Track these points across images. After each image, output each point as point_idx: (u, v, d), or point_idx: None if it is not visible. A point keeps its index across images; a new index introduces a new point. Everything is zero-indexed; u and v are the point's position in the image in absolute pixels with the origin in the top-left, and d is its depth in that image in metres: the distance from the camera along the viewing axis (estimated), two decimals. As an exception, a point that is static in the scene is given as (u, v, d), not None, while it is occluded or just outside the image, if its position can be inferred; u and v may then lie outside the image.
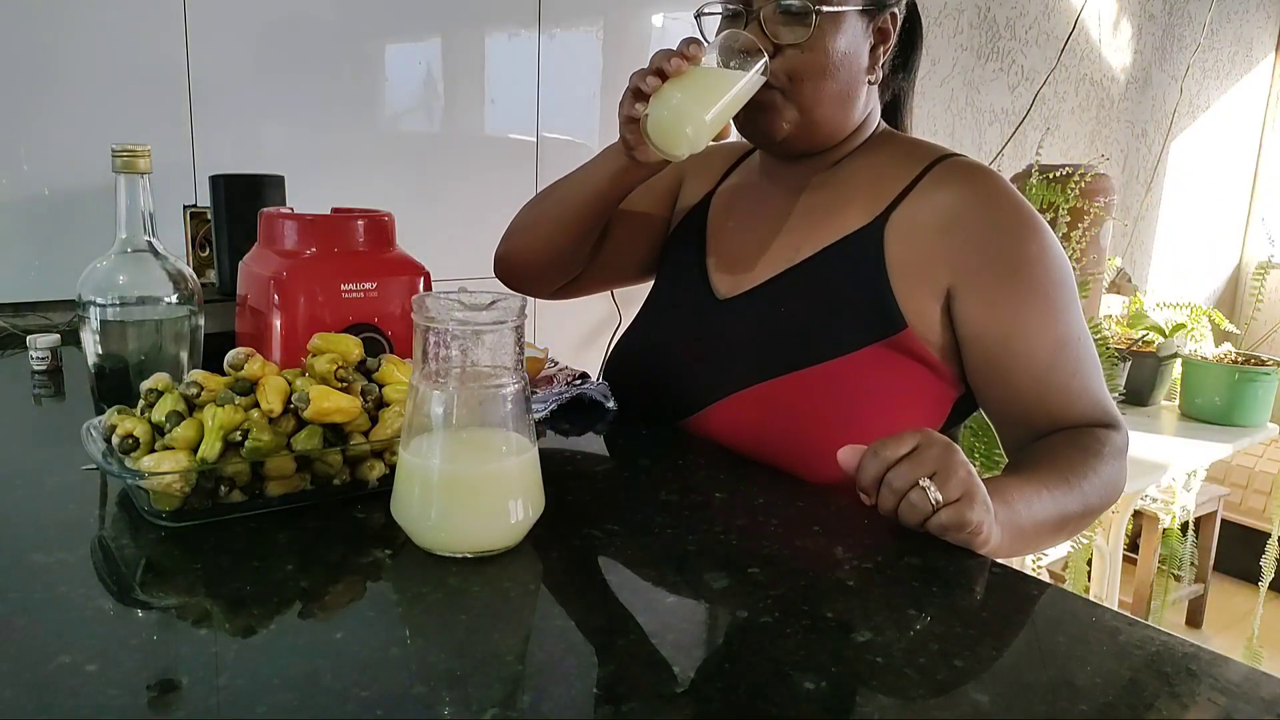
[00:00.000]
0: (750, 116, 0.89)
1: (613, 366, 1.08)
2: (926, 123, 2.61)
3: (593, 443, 0.95)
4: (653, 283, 1.13)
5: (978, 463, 1.85)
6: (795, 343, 0.90)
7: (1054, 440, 0.87)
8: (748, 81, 0.84)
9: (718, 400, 0.92)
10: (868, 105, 0.95)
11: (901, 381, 0.89)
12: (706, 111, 0.81)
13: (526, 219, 1.09)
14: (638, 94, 0.83)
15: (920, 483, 0.67)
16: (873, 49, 0.92)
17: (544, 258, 1.06)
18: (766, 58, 0.85)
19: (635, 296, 1.16)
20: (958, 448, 0.69)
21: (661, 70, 0.82)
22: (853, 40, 0.89)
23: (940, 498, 0.67)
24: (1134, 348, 2.34)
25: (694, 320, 1.00)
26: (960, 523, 0.67)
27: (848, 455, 0.71)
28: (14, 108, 1.31)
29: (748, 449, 0.89)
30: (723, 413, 0.92)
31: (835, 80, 0.89)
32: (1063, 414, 0.88)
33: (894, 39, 0.93)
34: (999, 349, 0.87)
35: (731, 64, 0.84)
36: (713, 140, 0.84)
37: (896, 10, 0.93)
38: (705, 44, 0.84)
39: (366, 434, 0.73)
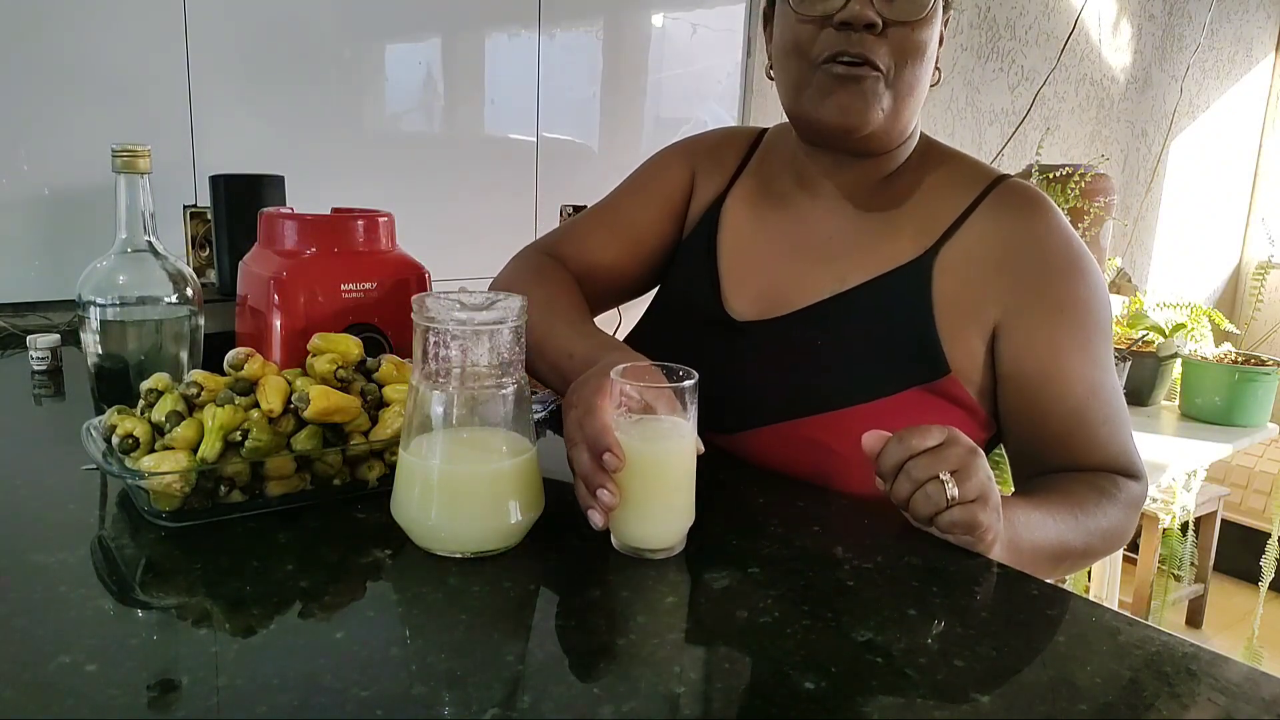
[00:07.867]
0: (845, 104, 0.82)
1: None
2: (926, 123, 2.60)
3: (593, 443, 0.94)
4: (655, 293, 1.04)
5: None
6: (833, 380, 0.85)
7: (1072, 476, 0.86)
8: (690, 445, 0.65)
9: (737, 434, 0.87)
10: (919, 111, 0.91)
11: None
12: (678, 521, 0.65)
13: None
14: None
15: (940, 476, 0.66)
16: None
17: None
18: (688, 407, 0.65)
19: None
20: (982, 453, 0.68)
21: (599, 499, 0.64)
22: (938, 33, 0.86)
23: (957, 494, 0.66)
24: (1134, 348, 2.34)
25: (707, 343, 0.93)
26: (971, 522, 0.67)
27: (871, 440, 0.70)
28: (14, 108, 1.31)
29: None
30: (742, 446, 0.87)
31: (927, 69, 0.85)
32: (1086, 458, 0.87)
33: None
34: (1035, 388, 0.85)
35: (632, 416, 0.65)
36: None
37: (952, 15, 0.90)
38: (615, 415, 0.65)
39: (366, 434, 0.73)
